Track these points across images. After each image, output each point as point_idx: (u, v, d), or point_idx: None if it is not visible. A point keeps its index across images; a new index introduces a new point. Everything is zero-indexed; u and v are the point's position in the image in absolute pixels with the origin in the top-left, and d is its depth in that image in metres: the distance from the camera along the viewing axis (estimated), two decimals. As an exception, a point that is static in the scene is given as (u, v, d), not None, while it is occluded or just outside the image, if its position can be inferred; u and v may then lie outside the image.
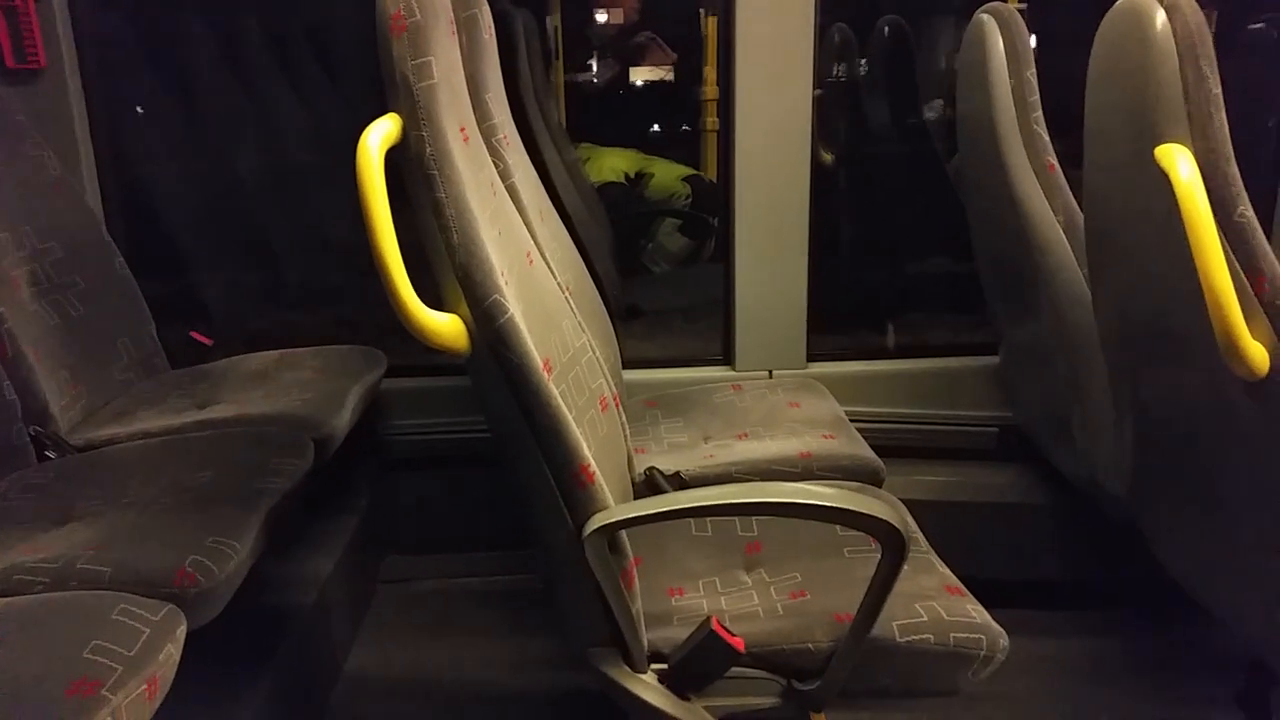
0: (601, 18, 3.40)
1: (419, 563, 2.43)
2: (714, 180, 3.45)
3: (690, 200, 3.50)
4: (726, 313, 2.36)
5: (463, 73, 1.36)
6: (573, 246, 1.94)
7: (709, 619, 1.24)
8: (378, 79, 1.13)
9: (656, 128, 3.70)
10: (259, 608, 1.80)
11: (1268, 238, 1.30)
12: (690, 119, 3.60)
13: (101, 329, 2.07)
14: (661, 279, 3.44)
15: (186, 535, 1.41)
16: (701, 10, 3.33)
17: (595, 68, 3.51)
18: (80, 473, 1.70)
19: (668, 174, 3.52)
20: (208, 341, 2.33)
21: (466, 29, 1.57)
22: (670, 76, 3.57)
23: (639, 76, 3.55)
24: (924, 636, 1.26)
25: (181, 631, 1.20)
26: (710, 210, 3.34)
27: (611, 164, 3.44)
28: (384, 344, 2.25)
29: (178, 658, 1.17)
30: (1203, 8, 1.32)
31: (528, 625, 2.20)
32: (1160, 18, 1.31)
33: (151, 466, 1.68)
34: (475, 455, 2.14)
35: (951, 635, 1.27)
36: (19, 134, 2.04)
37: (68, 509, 1.55)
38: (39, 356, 1.83)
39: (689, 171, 3.55)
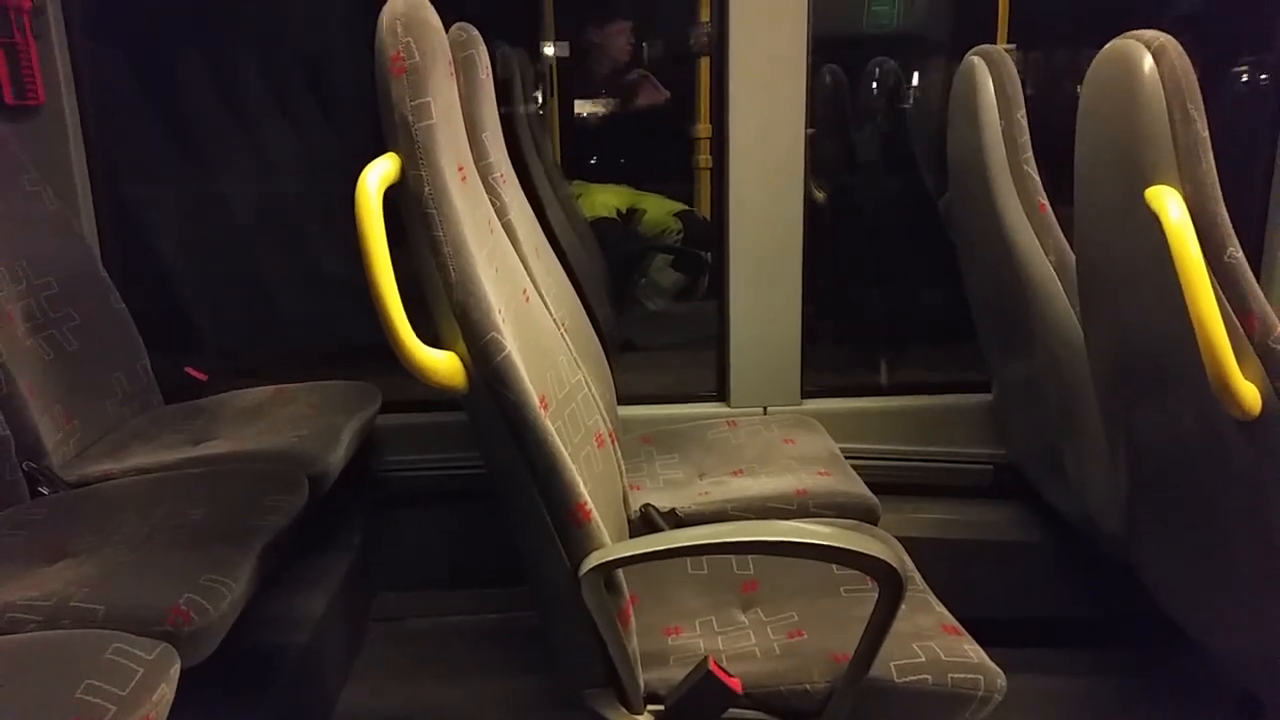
0: (596, 57, 3.43)
1: (412, 600, 2.41)
2: (706, 216, 3.47)
3: (682, 236, 3.52)
4: (721, 349, 2.37)
5: (461, 113, 1.38)
6: (568, 283, 1.96)
7: (706, 659, 1.23)
8: (376, 118, 1.15)
9: (649, 164, 3.72)
10: (251, 645, 1.78)
11: (1256, 278, 1.32)
12: (683, 156, 3.62)
13: (96, 364, 2.07)
14: (656, 315, 3.45)
15: (181, 573, 1.40)
16: (694, 50, 3.37)
17: (590, 106, 3.54)
18: (73, 509, 1.70)
19: (660, 210, 3.54)
20: (202, 377, 2.32)
21: (464, 70, 1.59)
22: (663, 114, 3.60)
23: (632, 114, 3.58)
24: (922, 677, 1.26)
25: (175, 671, 1.19)
26: (702, 246, 3.35)
27: (603, 200, 3.46)
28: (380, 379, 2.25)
29: (171, 697, 1.16)
30: (1188, 51, 1.35)
31: (522, 664, 2.18)
32: (1148, 62, 1.33)
33: (145, 503, 1.67)
34: (470, 491, 2.14)
35: (949, 675, 1.26)
36: (16, 169, 2.05)
37: (60, 546, 1.54)
38: (33, 392, 1.83)
39: (681, 207, 3.57)
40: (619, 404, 2.09)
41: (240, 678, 1.70)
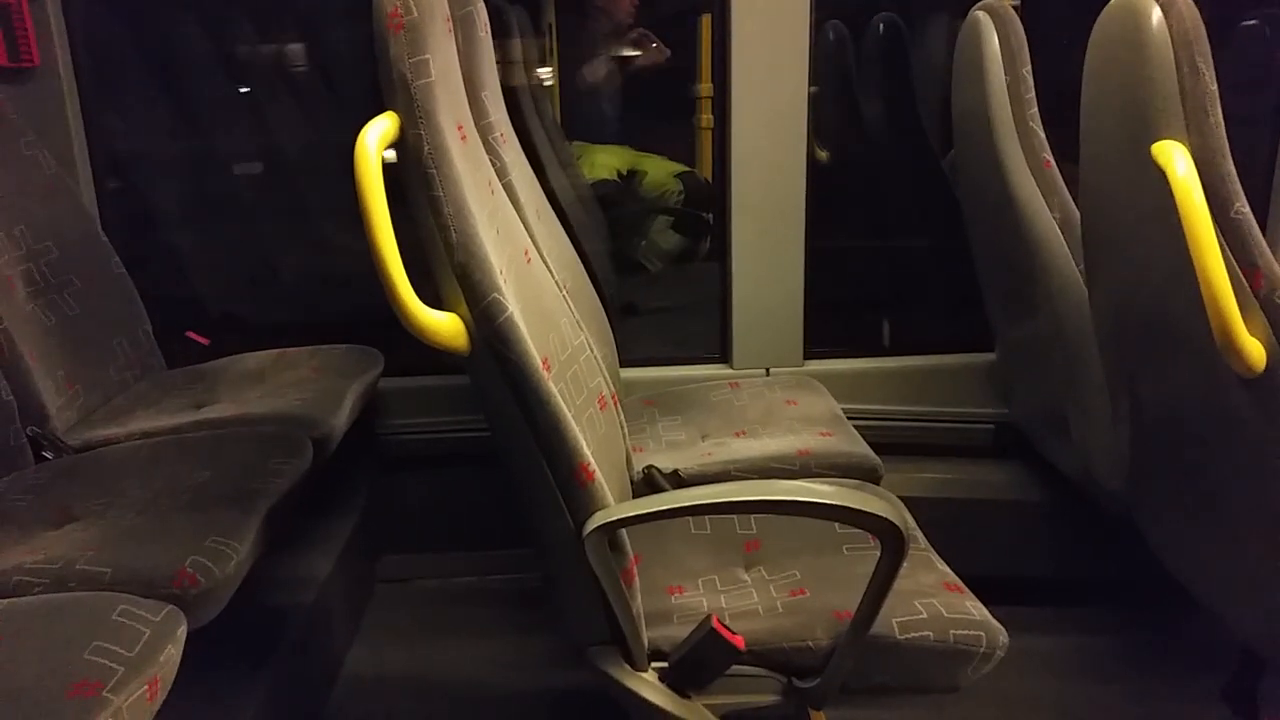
0: (596, 17, 3.39)
1: (418, 562, 2.43)
2: (707, 178, 3.45)
3: (683, 197, 3.50)
4: (724, 310, 2.36)
5: (460, 71, 1.36)
6: (569, 244, 1.95)
7: (709, 617, 1.24)
8: (374, 77, 1.13)
9: (649, 124, 3.69)
10: (257, 607, 1.80)
11: (1263, 234, 1.31)
12: (684, 116, 3.59)
13: (98, 329, 2.07)
14: (658, 276, 3.43)
15: (186, 536, 1.41)
16: (696, 8, 3.33)
17: (590, 65, 3.50)
18: (78, 473, 1.70)
19: (660, 171, 3.51)
20: (204, 341, 2.32)
21: (463, 27, 1.57)
22: (664, 73, 3.56)
23: (633, 73, 3.54)
24: (924, 634, 1.27)
25: (182, 632, 1.20)
26: (703, 207, 3.33)
27: (604, 161, 3.43)
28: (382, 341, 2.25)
29: (178, 658, 1.17)
30: (1195, 2, 1.33)
31: (527, 624, 2.20)
32: (1156, 15, 1.31)
33: (149, 467, 1.68)
34: (473, 454, 2.14)
35: (951, 632, 1.27)
36: (13, 133, 2.04)
37: (66, 510, 1.55)
38: (35, 357, 1.83)
39: (682, 169, 3.54)
40: (621, 366, 2.09)
41: (247, 639, 1.71)
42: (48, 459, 1.77)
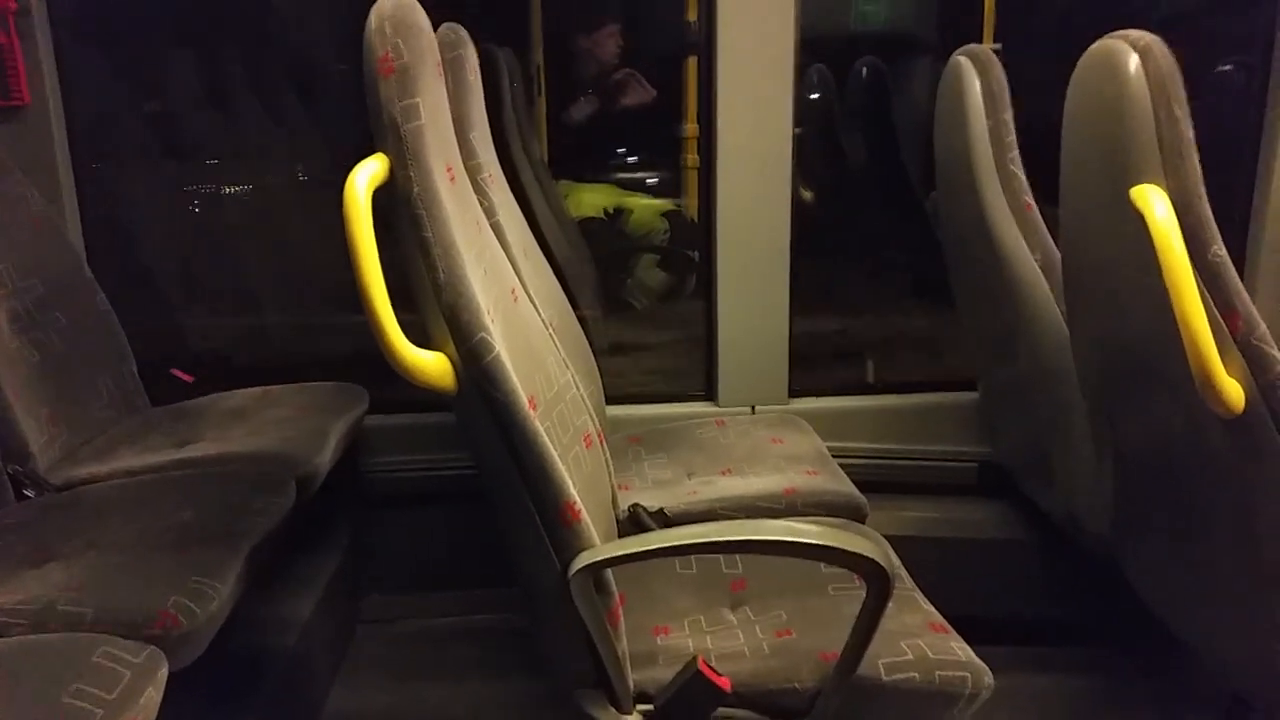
0: (584, 59, 3.43)
1: (401, 602, 2.41)
2: (693, 217, 3.47)
3: (669, 235, 3.52)
4: (709, 348, 2.37)
5: (449, 113, 1.37)
6: (556, 282, 1.96)
7: (695, 659, 1.23)
8: (364, 119, 1.14)
9: (636, 163, 3.71)
10: (238, 648, 1.78)
11: (1240, 277, 1.33)
12: (670, 155, 3.62)
13: (82, 366, 2.06)
14: (644, 315, 3.44)
15: (168, 576, 1.40)
16: (682, 50, 3.37)
17: (577, 105, 3.54)
18: (59, 512, 1.69)
19: (646, 210, 3.53)
20: (188, 378, 2.31)
21: (453, 70, 1.59)
22: (650, 113, 3.59)
23: (620, 113, 3.57)
24: (909, 675, 1.26)
25: (163, 674, 1.19)
26: (689, 246, 3.35)
27: (591, 200, 3.45)
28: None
29: (159, 700, 1.16)
30: (1172, 50, 1.36)
31: (511, 665, 2.18)
32: (1134, 61, 1.34)
33: (132, 506, 1.67)
34: (458, 492, 2.14)
35: (937, 673, 1.27)
36: (1, 170, 2.04)
37: (47, 549, 1.53)
38: (18, 394, 1.82)
39: (667, 207, 3.56)
40: (607, 403, 2.09)
41: (228, 680, 1.69)
42: (29, 497, 1.76)
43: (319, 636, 2.06)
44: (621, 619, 1.25)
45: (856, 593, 1.24)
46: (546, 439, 1.16)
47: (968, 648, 1.32)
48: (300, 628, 1.96)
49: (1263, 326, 1.31)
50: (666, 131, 3.46)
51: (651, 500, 1.75)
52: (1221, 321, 1.30)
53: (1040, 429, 1.96)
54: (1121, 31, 1.39)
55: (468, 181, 1.48)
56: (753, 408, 2.33)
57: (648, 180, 3.56)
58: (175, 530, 1.56)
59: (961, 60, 1.96)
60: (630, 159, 3.60)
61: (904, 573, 1.53)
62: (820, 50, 2.78)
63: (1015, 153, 1.92)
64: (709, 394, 2.40)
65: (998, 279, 1.91)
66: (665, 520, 1.70)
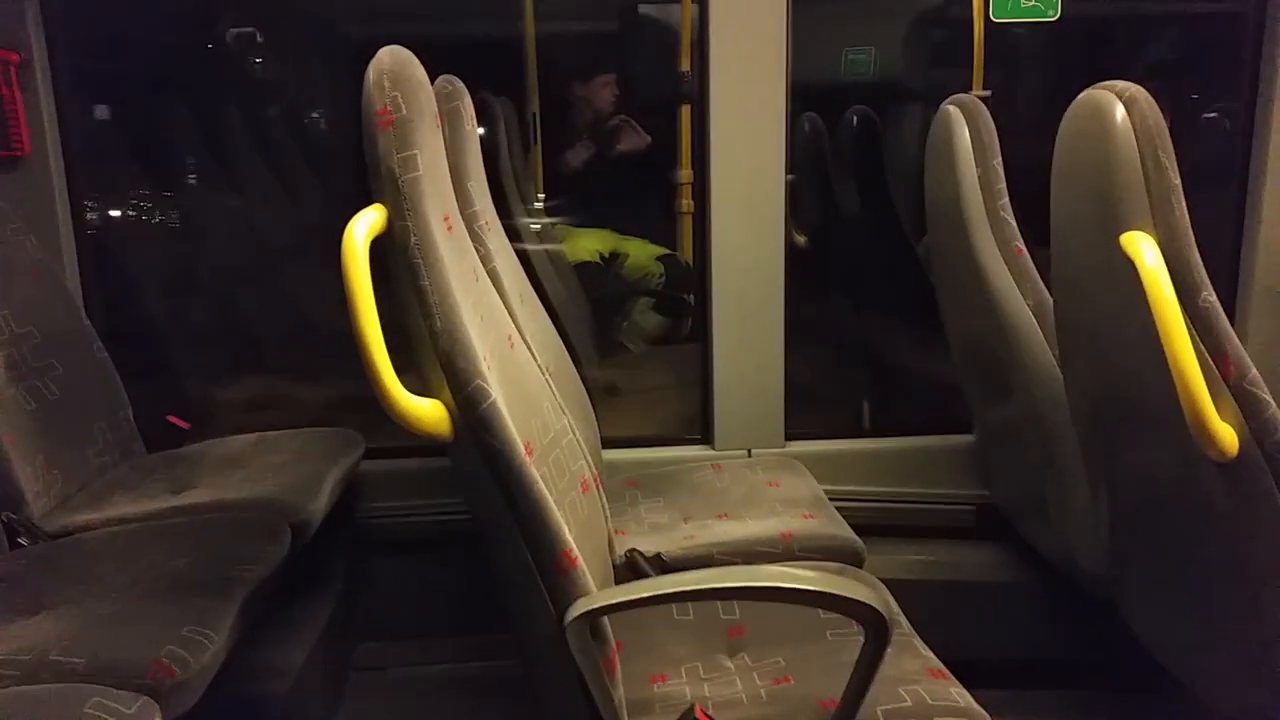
0: (580, 109, 3.47)
1: (395, 649, 2.38)
2: (688, 260, 3.50)
3: (664, 280, 3.54)
4: (705, 392, 2.38)
5: (446, 163, 1.39)
6: (552, 328, 1.97)
7: (692, 707, 1.23)
8: (361, 169, 1.16)
9: (631, 208, 3.74)
10: (232, 696, 1.75)
11: (1230, 322, 1.34)
12: (665, 200, 3.65)
13: (78, 413, 2.06)
14: (640, 358, 3.45)
15: (161, 625, 1.39)
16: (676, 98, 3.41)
17: (574, 151, 3.57)
18: (53, 561, 1.68)
19: (642, 254, 3.55)
20: (185, 425, 2.31)
21: (450, 120, 1.62)
22: (646, 159, 3.63)
23: (615, 159, 3.60)
24: (908, 722, 1.26)
25: (156, 725, 1.18)
26: (684, 290, 3.37)
27: (586, 244, 3.48)
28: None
29: (151, 753, 1.15)
30: (1157, 99, 1.38)
31: (507, 713, 2.15)
32: (1120, 112, 1.36)
33: (126, 554, 1.66)
34: (454, 538, 2.13)
35: (936, 720, 1.26)
36: (0, 219, 2.05)
37: (40, 599, 1.53)
38: (13, 442, 1.82)
39: (663, 251, 3.59)
40: (603, 447, 2.09)
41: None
42: (23, 545, 1.75)
43: (312, 684, 2.04)
44: (618, 667, 1.24)
45: (855, 638, 1.23)
46: (542, 485, 1.17)
47: (966, 694, 1.31)
48: (294, 675, 1.94)
49: (1254, 370, 1.32)
50: (661, 177, 3.50)
51: (648, 545, 1.74)
52: (1213, 365, 1.31)
53: (1035, 472, 1.96)
54: (1107, 82, 1.42)
55: (465, 230, 1.49)
56: (749, 451, 2.33)
57: (642, 225, 3.58)
58: (169, 578, 1.56)
59: (951, 109, 1.99)
60: (625, 204, 3.62)
61: (902, 617, 1.52)
62: (812, 99, 2.81)
63: (1005, 199, 1.95)
64: (705, 437, 2.40)
65: (990, 323, 1.92)
66: (662, 566, 1.70)
